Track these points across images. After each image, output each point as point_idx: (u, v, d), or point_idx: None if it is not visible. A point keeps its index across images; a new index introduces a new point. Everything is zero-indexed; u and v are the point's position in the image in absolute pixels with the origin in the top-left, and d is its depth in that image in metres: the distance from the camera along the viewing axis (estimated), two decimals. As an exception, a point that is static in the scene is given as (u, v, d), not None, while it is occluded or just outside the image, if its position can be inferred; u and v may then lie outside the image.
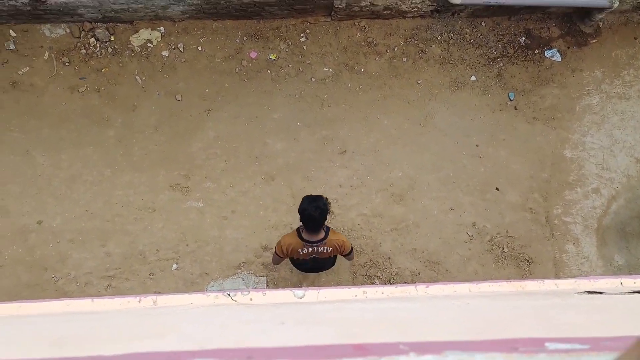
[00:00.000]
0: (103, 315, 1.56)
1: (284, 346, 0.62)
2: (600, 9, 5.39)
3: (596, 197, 5.34)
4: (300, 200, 3.39)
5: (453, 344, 0.62)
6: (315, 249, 3.55)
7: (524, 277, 5.12)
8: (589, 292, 1.52)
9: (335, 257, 3.99)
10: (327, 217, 3.40)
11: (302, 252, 3.60)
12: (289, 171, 5.15)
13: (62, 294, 4.70)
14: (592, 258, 5.21)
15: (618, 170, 5.42)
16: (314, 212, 3.29)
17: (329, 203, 3.38)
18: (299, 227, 3.57)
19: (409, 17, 5.59)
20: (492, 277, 5.08)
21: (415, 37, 5.59)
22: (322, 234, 3.50)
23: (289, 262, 4.14)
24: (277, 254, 3.71)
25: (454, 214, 5.17)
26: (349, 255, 3.83)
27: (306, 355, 0.60)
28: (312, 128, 5.27)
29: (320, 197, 3.36)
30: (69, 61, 5.24)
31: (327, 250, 3.58)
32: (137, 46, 5.35)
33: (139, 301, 1.60)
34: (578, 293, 1.50)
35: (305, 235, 3.51)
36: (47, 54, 5.24)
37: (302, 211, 3.33)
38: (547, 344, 0.64)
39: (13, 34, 5.23)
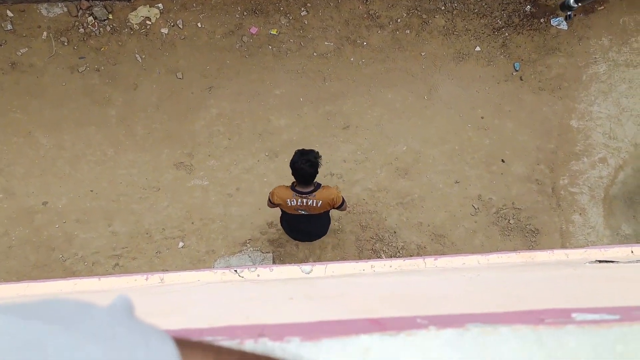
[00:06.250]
0: (111, 294, 1.55)
1: (297, 322, 0.61)
2: (608, -26, 5.25)
3: (603, 166, 5.30)
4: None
5: (474, 317, 0.60)
6: (305, 201, 3.60)
7: (530, 248, 5.12)
8: (600, 262, 1.50)
9: (327, 221, 4.07)
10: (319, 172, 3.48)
11: (291, 203, 3.63)
12: (292, 147, 5.10)
13: (70, 273, 4.73)
14: (598, 228, 5.19)
15: (625, 139, 5.36)
16: (304, 164, 3.37)
17: (320, 157, 3.46)
18: (293, 181, 3.64)
19: (412, -13, 5.47)
20: (499, 249, 5.08)
21: (418, 9, 5.48)
22: (312, 187, 3.57)
23: (285, 232, 4.24)
24: (270, 200, 3.78)
25: (460, 187, 5.15)
26: (341, 207, 3.85)
27: (321, 331, 0.59)
28: (315, 103, 5.21)
29: (311, 151, 3.44)
30: (67, 41, 5.17)
31: (316, 203, 3.61)
32: (136, 24, 5.27)
33: (146, 279, 1.60)
34: (589, 262, 1.48)
35: (297, 187, 3.59)
36: (45, 33, 5.17)
37: (292, 164, 3.41)
38: (573, 315, 0.62)
39: (10, 14, 5.15)
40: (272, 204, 3.80)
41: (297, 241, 4.69)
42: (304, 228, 4.07)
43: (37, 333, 0.43)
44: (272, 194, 3.70)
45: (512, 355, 0.58)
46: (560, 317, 0.60)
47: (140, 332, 0.48)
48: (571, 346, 0.58)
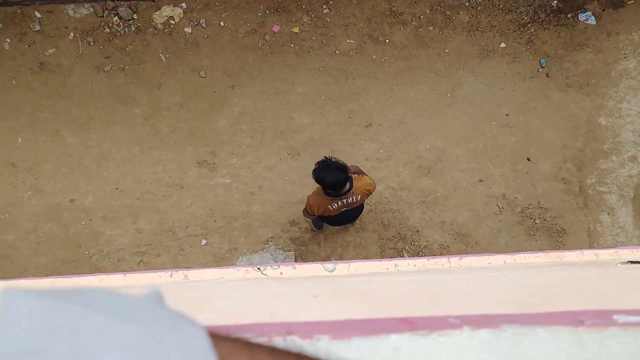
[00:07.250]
0: (136, 290, 1.56)
1: (325, 320, 0.60)
2: (638, -32, 5.11)
3: (633, 165, 5.16)
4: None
5: (510, 317, 0.58)
6: (345, 200, 3.57)
7: (556, 248, 5.01)
8: (632, 262, 1.45)
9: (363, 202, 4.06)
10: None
11: (333, 208, 3.62)
12: (315, 146, 5.10)
13: (96, 270, 4.81)
14: (628, 228, 5.06)
15: (656, 137, 5.21)
16: (339, 176, 3.31)
17: (331, 157, 3.38)
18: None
19: (435, -16, 5.41)
20: (524, 249, 4.99)
21: (441, 5, 5.42)
22: (347, 186, 3.50)
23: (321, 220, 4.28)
24: (308, 212, 3.77)
25: (484, 186, 5.07)
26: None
27: (350, 330, 0.58)
28: (337, 101, 5.20)
29: (327, 160, 3.36)
30: (93, 41, 5.26)
31: (357, 198, 3.59)
32: (160, 23, 5.33)
33: (171, 275, 1.61)
34: (621, 263, 1.43)
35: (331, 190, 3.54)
36: (72, 34, 5.27)
37: (321, 181, 3.35)
38: (615, 317, 0.59)
39: (38, 15, 5.25)
40: (311, 215, 3.77)
41: (331, 228, 4.70)
42: (347, 218, 4.09)
43: (71, 314, 0.44)
44: (310, 206, 3.65)
45: (550, 357, 0.56)
46: (601, 318, 0.58)
47: (173, 318, 0.49)
48: (613, 349, 0.56)
